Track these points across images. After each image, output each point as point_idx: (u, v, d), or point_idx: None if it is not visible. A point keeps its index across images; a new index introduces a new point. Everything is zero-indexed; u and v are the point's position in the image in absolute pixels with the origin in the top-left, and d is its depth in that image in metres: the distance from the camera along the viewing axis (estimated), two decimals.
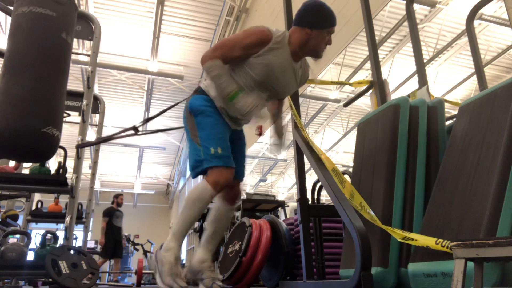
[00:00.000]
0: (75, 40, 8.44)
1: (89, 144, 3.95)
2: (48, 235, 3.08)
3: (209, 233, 1.95)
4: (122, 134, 2.19)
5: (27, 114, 2.23)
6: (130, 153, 15.15)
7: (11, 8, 2.53)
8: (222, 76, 1.75)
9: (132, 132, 2.15)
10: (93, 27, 3.50)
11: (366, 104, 10.08)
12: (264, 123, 1.92)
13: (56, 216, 4.65)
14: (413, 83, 8.32)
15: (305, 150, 1.88)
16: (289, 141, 2.14)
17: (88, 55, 3.73)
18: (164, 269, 1.69)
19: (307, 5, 1.83)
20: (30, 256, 3.00)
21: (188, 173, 14.76)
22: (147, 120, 2.23)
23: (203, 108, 1.82)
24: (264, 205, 4.54)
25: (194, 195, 1.75)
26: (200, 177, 1.87)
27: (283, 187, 15.68)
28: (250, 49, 1.76)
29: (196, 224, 6.17)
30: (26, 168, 4.29)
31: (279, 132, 2.08)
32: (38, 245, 2.90)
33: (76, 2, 2.63)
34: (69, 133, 11.69)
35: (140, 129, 2.25)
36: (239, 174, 1.96)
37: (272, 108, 2.07)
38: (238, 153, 1.96)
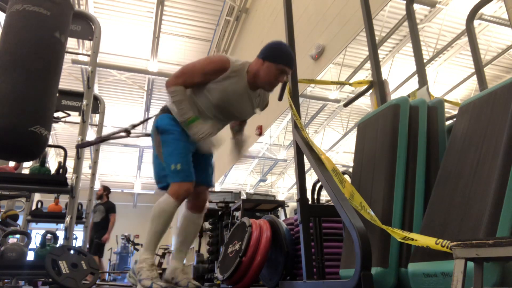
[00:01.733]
0: (75, 40, 8.44)
1: (89, 144, 3.95)
2: (48, 235, 3.08)
3: (180, 242, 2.12)
4: (116, 135, 2.34)
5: (15, 112, 2.22)
6: (130, 153, 15.16)
7: (6, 6, 2.52)
8: (182, 102, 1.92)
9: (123, 134, 2.30)
10: (93, 27, 3.50)
11: (366, 104, 10.08)
12: (217, 149, 2.19)
13: (56, 216, 4.65)
14: (413, 83, 8.32)
15: (305, 150, 1.88)
16: (247, 151, 2.33)
17: (88, 55, 3.73)
18: (141, 276, 1.84)
19: (270, 42, 2.00)
20: (30, 256, 3.00)
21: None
22: (136, 125, 2.41)
23: (168, 127, 1.99)
24: (264, 205, 4.54)
25: (159, 209, 1.90)
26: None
27: (283, 187, 15.68)
28: (209, 75, 1.93)
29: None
30: (26, 168, 4.30)
31: (239, 145, 2.26)
32: (38, 245, 2.89)
33: (73, 1, 2.63)
34: (69, 133, 11.70)
35: (133, 131, 2.47)
36: (206, 181, 2.14)
37: (233, 124, 2.27)
38: (204, 163, 2.14)
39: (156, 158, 2.02)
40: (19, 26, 2.34)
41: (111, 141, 2.43)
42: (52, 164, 11.00)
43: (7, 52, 2.29)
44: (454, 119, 1.67)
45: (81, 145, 3.04)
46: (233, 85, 1.95)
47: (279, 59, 1.93)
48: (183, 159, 1.93)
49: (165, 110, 2.08)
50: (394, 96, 2.40)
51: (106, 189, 7.10)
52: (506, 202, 1.14)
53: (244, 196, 4.84)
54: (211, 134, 1.94)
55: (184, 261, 2.20)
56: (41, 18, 2.39)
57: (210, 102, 1.98)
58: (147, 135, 2.57)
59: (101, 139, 2.62)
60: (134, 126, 2.40)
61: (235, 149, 2.25)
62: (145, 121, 2.42)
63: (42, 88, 2.35)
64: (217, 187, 13.32)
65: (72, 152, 3.28)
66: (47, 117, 2.39)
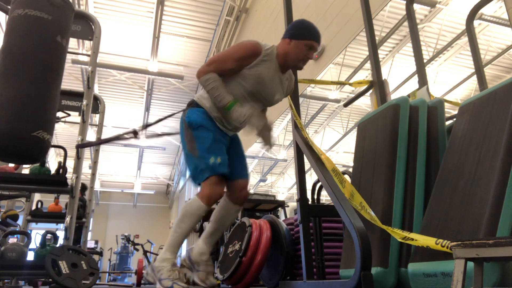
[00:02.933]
0: (75, 40, 8.44)
1: (89, 144, 3.95)
2: (48, 235, 3.08)
3: (212, 229, 2.04)
4: (123, 137, 2.24)
5: (18, 117, 2.23)
6: (130, 153, 15.16)
7: (9, 7, 2.53)
8: (218, 88, 1.86)
9: (132, 135, 2.19)
10: (93, 27, 3.49)
11: (366, 104, 10.08)
12: (263, 132, 1.96)
13: (56, 216, 4.65)
14: (413, 83, 8.32)
15: (305, 150, 1.88)
16: (275, 139, 2.21)
17: (88, 55, 3.73)
18: (163, 276, 1.77)
19: (293, 21, 2.01)
20: (30, 256, 3.00)
21: (188, 173, 14.73)
22: (148, 126, 2.27)
23: (200, 122, 1.94)
24: (264, 205, 4.54)
25: (190, 211, 1.86)
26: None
27: (283, 187, 15.67)
28: (241, 61, 1.89)
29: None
30: (26, 168, 4.29)
31: (266, 132, 2.08)
32: (38, 245, 2.89)
33: (73, 1, 2.63)
34: (69, 133, 11.69)
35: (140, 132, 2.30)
36: (243, 175, 2.08)
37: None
38: (238, 155, 2.09)
39: (189, 155, 1.94)
40: (21, 31, 2.35)
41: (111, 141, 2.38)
42: (52, 164, 10.99)
43: (9, 57, 2.30)
44: (454, 119, 1.67)
45: (81, 145, 3.04)
46: (267, 70, 1.92)
47: (305, 35, 1.92)
48: (221, 153, 1.89)
49: (193, 104, 2.02)
50: (394, 96, 2.40)
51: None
52: (506, 202, 1.14)
53: None
54: (254, 115, 1.85)
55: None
56: (43, 23, 2.39)
57: (244, 89, 1.93)
58: (159, 135, 2.51)
59: (103, 141, 2.60)
60: (145, 127, 2.26)
61: (265, 139, 2.09)
62: (157, 121, 2.24)
63: (44, 93, 2.36)
64: None
65: (72, 152, 3.28)
66: (49, 122, 2.40)
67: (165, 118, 2.25)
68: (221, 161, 1.85)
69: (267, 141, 2.00)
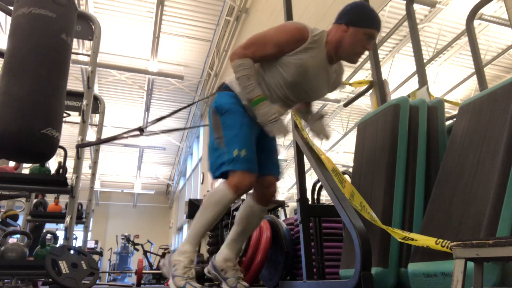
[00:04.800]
0: (75, 40, 8.44)
1: (90, 144, 3.95)
2: (48, 235, 3.07)
3: (237, 232, 1.84)
4: (122, 136, 2.09)
5: (27, 115, 2.24)
6: (130, 153, 15.16)
7: (11, 8, 2.53)
8: (250, 78, 1.64)
9: (137, 133, 2.04)
10: (93, 27, 3.49)
11: (366, 104, 10.08)
12: (284, 137, 1.81)
13: (56, 216, 4.65)
14: (413, 83, 8.32)
15: (305, 150, 1.88)
16: (329, 128, 1.92)
17: (88, 55, 3.73)
18: (177, 272, 1.61)
19: (350, 4, 1.71)
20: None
21: (188, 173, 14.76)
22: (157, 120, 2.02)
23: (229, 106, 1.71)
24: None
25: (214, 199, 1.66)
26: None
27: (283, 187, 15.67)
28: (285, 47, 1.64)
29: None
30: (26, 168, 4.29)
31: (319, 124, 1.92)
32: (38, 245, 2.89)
33: (76, 2, 2.63)
34: (69, 133, 11.68)
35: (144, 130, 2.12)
36: (274, 171, 1.86)
37: (300, 107, 1.98)
38: (269, 150, 1.86)
39: (214, 143, 1.71)
40: (26, 30, 2.36)
41: (111, 141, 2.35)
42: (52, 164, 11.00)
43: (17, 55, 2.31)
44: (454, 119, 1.67)
45: (81, 145, 3.04)
46: (312, 59, 1.65)
47: (367, 22, 1.64)
48: (249, 144, 1.65)
49: (224, 87, 1.79)
50: (394, 96, 2.40)
51: None
52: (506, 202, 1.14)
53: (244, 196, 4.83)
54: (278, 119, 1.63)
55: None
56: (47, 21, 2.40)
57: (284, 79, 1.68)
58: (167, 131, 2.47)
59: (103, 141, 2.59)
60: (153, 122, 2.00)
61: (317, 130, 1.92)
62: (157, 120, 2.06)
63: (51, 90, 2.37)
64: None
65: (72, 152, 3.28)
66: (57, 119, 2.42)
67: (173, 113, 2.02)
68: (247, 156, 1.62)
69: (322, 132, 1.81)
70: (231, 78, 1.80)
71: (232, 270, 1.78)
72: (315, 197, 2.41)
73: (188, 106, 2.16)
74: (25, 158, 2.60)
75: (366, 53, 2.00)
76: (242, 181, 1.62)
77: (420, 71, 2.88)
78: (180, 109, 2.06)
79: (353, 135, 11.31)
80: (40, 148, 2.30)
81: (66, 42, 2.49)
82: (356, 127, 2.02)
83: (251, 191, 1.82)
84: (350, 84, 3.14)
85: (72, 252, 2.59)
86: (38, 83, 2.30)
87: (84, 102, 3.28)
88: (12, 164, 4.42)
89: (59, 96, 2.42)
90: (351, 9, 1.68)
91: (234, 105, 1.71)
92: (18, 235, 4.40)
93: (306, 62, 1.65)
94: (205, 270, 1.78)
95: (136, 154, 15.34)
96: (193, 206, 5.20)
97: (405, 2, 3.16)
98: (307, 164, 1.96)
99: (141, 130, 1.97)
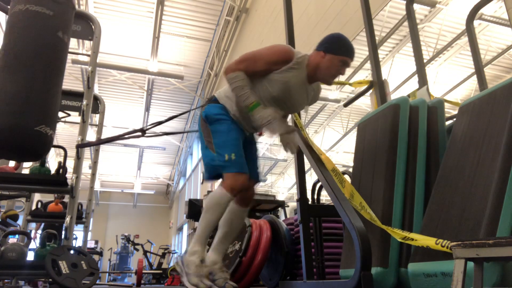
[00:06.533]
0: (75, 40, 8.44)
1: (90, 144, 3.95)
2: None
3: (222, 235, 2.01)
4: (129, 136, 2.22)
5: (21, 112, 2.22)
6: (130, 153, 15.16)
7: (8, 7, 2.53)
8: (244, 88, 1.83)
9: (139, 134, 2.18)
10: (93, 27, 3.49)
11: (366, 104, 10.08)
12: (286, 136, 1.95)
13: (56, 216, 4.65)
14: (413, 83, 8.32)
15: (305, 150, 1.88)
16: (297, 141, 2.14)
17: (88, 55, 3.73)
18: (190, 271, 1.78)
19: (329, 34, 1.97)
20: (30, 256, 2.99)
21: (188, 173, 14.77)
22: (158, 123, 2.23)
23: (218, 116, 1.92)
24: (264, 205, 4.54)
25: (213, 201, 1.85)
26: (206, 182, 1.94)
27: (283, 187, 15.67)
28: (272, 65, 1.86)
29: (196, 224, 6.15)
30: (26, 168, 4.29)
31: (290, 132, 2.05)
32: (38, 245, 2.89)
33: (74, 1, 2.63)
34: (69, 133, 11.69)
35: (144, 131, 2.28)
36: (254, 175, 2.04)
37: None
38: (251, 156, 2.05)
39: (206, 149, 1.94)
40: (22, 27, 2.35)
41: (111, 141, 2.37)
42: (52, 164, 11.00)
43: (12, 52, 2.30)
44: (454, 119, 1.67)
45: (81, 145, 3.04)
46: (295, 78, 1.88)
47: (342, 50, 1.89)
48: (237, 149, 1.86)
49: (212, 100, 2.02)
50: (394, 96, 2.40)
51: None
52: (506, 202, 1.14)
53: None
54: (276, 119, 1.82)
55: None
56: (44, 18, 2.39)
57: (269, 93, 1.90)
58: (166, 134, 2.51)
59: (103, 141, 2.60)
60: (156, 125, 2.21)
61: (285, 142, 2.06)
62: (159, 123, 2.22)
63: (46, 87, 2.36)
64: None
65: (72, 152, 3.28)
66: (52, 117, 2.40)
67: (174, 117, 2.23)
68: (236, 159, 1.82)
69: (291, 146, 1.95)
70: (220, 91, 2.02)
71: (220, 271, 1.92)
72: (315, 197, 2.41)
73: (184, 113, 2.31)
74: (17, 156, 2.59)
75: (366, 53, 2.08)
76: (236, 181, 1.81)
77: (420, 71, 2.88)
78: (177, 115, 2.25)
79: (353, 135, 11.31)
80: (33, 145, 2.29)
81: (63, 40, 2.48)
82: (356, 127, 2.02)
83: None
84: (350, 84, 3.14)
85: (72, 252, 2.59)
86: (32, 80, 2.28)
87: (84, 102, 3.28)
88: (12, 164, 4.42)
89: (54, 94, 2.41)
90: (329, 39, 1.93)
91: (222, 115, 1.93)
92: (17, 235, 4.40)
93: (290, 80, 1.87)
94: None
95: (136, 154, 15.34)
96: (193, 206, 5.20)
97: (405, 2, 3.16)
98: (307, 164, 1.96)
99: (143, 131, 2.16)
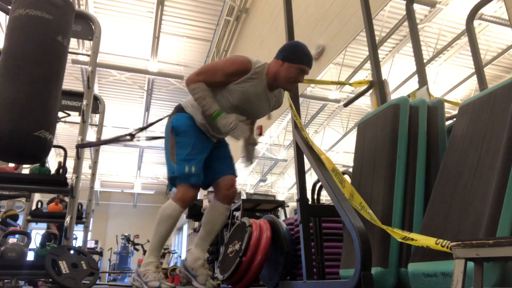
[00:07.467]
0: (75, 40, 8.44)
1: (89, 144, 3.95)
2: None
3: (205, 232, 2.10)
4: (121, 139, 2.34)
5: (20, 117, 2.24)
6: (130, 153, 15.16)
7: (9, 7, 2.53)
8: (205, 98, 1.91)
9: (128, 138, 2.30)
10: (93, 27, 3.49)
11: (366, 104, 10.08)
12: (247, 146, 2.18)
13: (56, 216, 4.65)
14: (413, 83, 8.32)
15: (305, 150, 1.88)
16: (258, 153, 2.29)
17: (88, 55, 3.73)
18: (148, 278, 1.87)
19: (287, 43, 2.01)
20: (30, 256, 2.99)
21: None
22: (142, 129, 2.39)
23: (184, 128, 2.01)
24: (264, 205, 4.54)
25: (165, 213, 1.95)
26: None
27: (283, 187, 15.67)
28: (231, 76, 1.93)
29: (196, 224, 6.15)
30: (26, 168, 4.29)
31: (252, 144, 2.22)
32: (38, 245, 2.89)
33: (74, 3, 2.63)
34: (69, 133, 11.68)
35: (138, 134, 2.45)
36: (230, 171, 2.16)
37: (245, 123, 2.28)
38: (224, 157, 2.17)
39: (168, 161, 2.03)
40: (22, 31, 2.35)
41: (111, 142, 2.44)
42: (52, 164, 11.00)
43: (11, 57, 2.31)
44: (454, 119, 1.67)
45: (81, 145, 3.03)
46: (253, 87, 1.95)
47: (299, 59, 1.93)
48: (197, 162, 1.95)
49: (179, 109, 2.07)
50: (394, 96, 2.40)
51: None
52: (506, 202, 1.14)
53: (244, 196, 4.84)
54: (239, 125, 1.92)
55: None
56: (44, 23, 2.39)
57: (230, 102, 1.97)
58: (153, 138, 2.57)
59: (102, 142, 2.64)
60: (140, 130, 2.41)
61: (246, 152, 2.23)
62: (151, 124, 2.38)
63: (45, 92, 2.37)
64: None
65: (72, 152, 3.28)
66: (51, 121, 2.41)
67: (154, 123, 2.32)
68: (195, 171, 1.92)
69: (250, 156, 2.10)
70: (185, 100, 2.09)
71: (201, 268, 2.02)
72: (315, 197, 2.41)
73: (161, 120, 2.40)
74: (17, 160, 2.62)
75: (366, 53, 2.12)
76: (186, 194, 1.92)
77: (420, 71, 2.88)
78: (156, 122, 2.35)
79: (353, 135, 11.31)
80: (32, 150, 2.30)
81: (62, 44, 2.49)
82: (356, 127, 2.02)
83: (214, 194, 2.13)
84: (350, 84, 3.14)
85: (72, 252, 2.59)
86: (32, 85, 2.29)
87: (84, 102, 3.28)
88: (12, 164, 4.41)
89: (53, 98, 2.42)
90: (287, 48, 1.96)
91: (189, 126, 2.00)
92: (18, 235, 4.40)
93: (248, 89, 1.95)
94: (177, 270, 1.95)
95: (136, 154, 15.34)
96: (193, 207, 5.20)
97: (405, 2, 3.16)
98: (307, 164, 1.97)
99: (132, 136, 2.31)
